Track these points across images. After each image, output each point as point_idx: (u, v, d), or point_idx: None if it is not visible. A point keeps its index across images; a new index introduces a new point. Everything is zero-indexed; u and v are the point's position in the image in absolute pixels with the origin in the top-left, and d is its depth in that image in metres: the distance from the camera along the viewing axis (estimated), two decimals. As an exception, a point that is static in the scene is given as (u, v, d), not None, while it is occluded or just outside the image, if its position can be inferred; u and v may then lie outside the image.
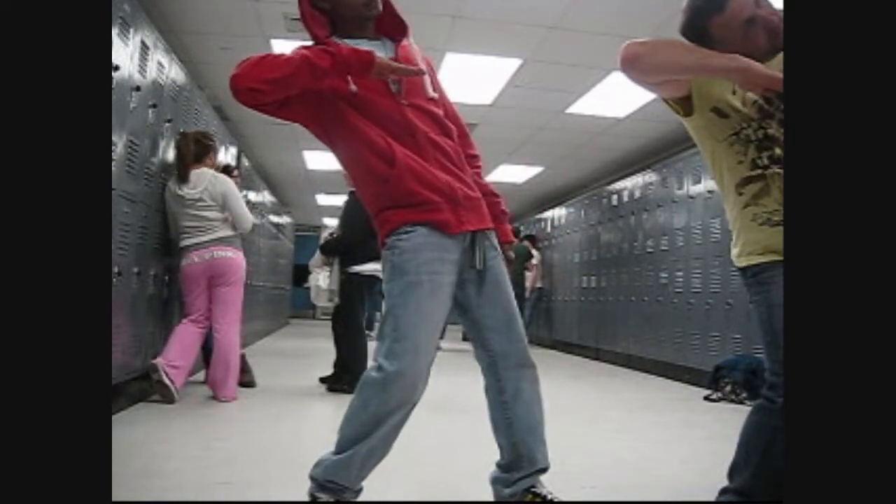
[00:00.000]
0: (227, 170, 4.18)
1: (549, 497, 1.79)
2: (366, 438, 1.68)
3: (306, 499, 1.74)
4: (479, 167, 1.93)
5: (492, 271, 1.79)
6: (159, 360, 3.37)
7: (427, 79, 1.80)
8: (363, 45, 1.68)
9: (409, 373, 1.63)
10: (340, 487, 1.70)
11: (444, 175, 1.73)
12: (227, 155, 5.22)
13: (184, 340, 3.58)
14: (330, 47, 1.63)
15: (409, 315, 1.65)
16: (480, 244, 1.77)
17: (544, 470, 1.83)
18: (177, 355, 3.51)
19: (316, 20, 1.75)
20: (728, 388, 4.38)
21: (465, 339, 9.24)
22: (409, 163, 1.69)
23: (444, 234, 1.70)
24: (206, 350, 3.83)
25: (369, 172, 1.73)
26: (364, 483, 1.75)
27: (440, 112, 1.81)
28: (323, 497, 1.70)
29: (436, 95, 1.81)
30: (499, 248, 1.84)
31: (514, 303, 1.83)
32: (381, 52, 1.70)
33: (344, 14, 1.76)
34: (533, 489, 1.80)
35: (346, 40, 1.71)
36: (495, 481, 1.85)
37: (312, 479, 1.73)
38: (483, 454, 2.19)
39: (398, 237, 1.71)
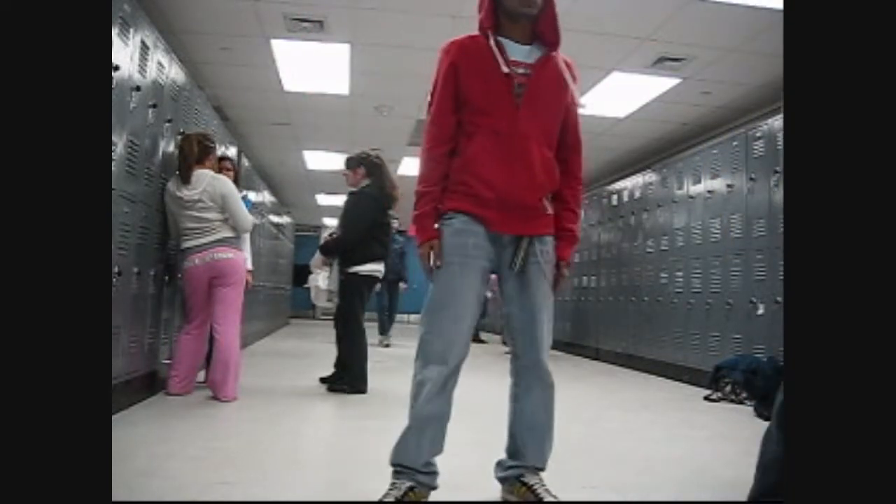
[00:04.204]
0: (220, 160, 4.16)
1: (535, 488, 1.89)
2: (414, 408, 1.85)
3: (306, 499, 1.74)
4: (577, 188, 2.04)
5: (528, 275, 1.91)
6: None
7: (567, 89, 1.92)
8: (511, 48, 1.87)
9: (438, 340, 1.85)
10: (408, 470, 1.83)
11: (509, 178, 1.85)
12: (224, 154, 5.21)
13: (189, 352, 3.67)
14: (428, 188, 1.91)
15: (442, 291, 1.88)
16: (523, 248, 1.89)
17: (539, 469, 1.95)
18: (186, 368, 3.67)
19: (487, 9, 1.89)
20: (728, 388, 4.37)
21: (475, 339, 9.25)
22: (480, 156, 1.85)
23: (483, 227, 1.88)
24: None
25: (458, 151, 1.93)
26: (390, 479, 1.85)
27: (555, 124, 1.94)
28: (397, 482, 1.83)
29: (582, 105, 1.97)
30: (546, 256, 1.94)
31: (542, 310, 1.93)
32: (523, 57, 1.89)
33: (505, 7, 1.88)
34: (521, 478, 1.93)
35: (501, 38, 1.88)
36: (497, 464, 2.03)
37: (390, 465, 1.87)
38: (485, 454, 2.19)
39: (443, 221, 1.92)
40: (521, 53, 1.89)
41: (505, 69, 1.83)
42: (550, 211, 1.97)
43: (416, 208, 1.92)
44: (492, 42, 1.86)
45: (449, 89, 1.89)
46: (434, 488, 1.89)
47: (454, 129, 1.91)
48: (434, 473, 1.89)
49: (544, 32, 1.92)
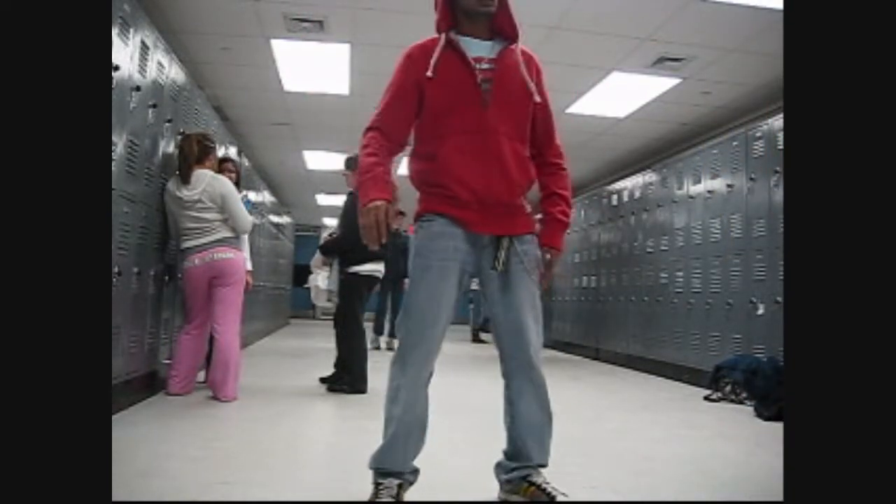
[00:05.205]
0: (223, 161, 4.17)
1: (544, 486, 1.88)
2: (395, 416, 1.83)
3: (306, 499, 1.73)
4: (557, 173, 2.02)
5: (510, 275, 1.89)
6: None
7: (527, 84, 1.90)
8: (472, 44, 1.87)
9: (418, 346, 1.83)
10: (394, 473, 1.82)
11: (485, 176, 1.84)
12: (226, 154, 5.21)
13: (189, 352, 3.67)
14: (376, 129, 1.87)
15: (419, 295, 1.85)
16: (504, 248, 1.87)
17: (542, 465, 1.94)
18: (186, 368, 3.67)
19: (443, 11, 1.90)
20: (728, 388, 4.37)
21: (474, 339, 9.19)
22: (454, 157, 1.83)
23: (462, 229, 1.85)
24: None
25: (421, 154, 1.91)
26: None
27: (524, 117, 1.92)
28: (385, 482, 1.81)
29: (538, 99, 1.92)
30: (528, 256, 1.91)
31: (528, 310, 1.90)
32: (486, 52, 1.88)
33: (462, 6, 1.88)
34: (528, 478, 1.91)
35: (461, 37, 1.88)
36: (497, 466, 2.00)
37: (371, 469, 1.85)
38: (484, 454, 2.19)
39: (421, 224, 1.90)
40: (483, 49, 1.89)
41: (430, 74, 1.82)
42: (529, 210, 1.96)
43: (367, 173, 1.81)
44: (442, 43, 1.86)
45: (403, 94, 1.88)
46: (412, 483, 1.89)
47: (402, 133, 1.90)
48: (417, 471, 1.89)
49: (502, 27, 1.92)
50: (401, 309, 1.89)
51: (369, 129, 1.90)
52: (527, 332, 1.89)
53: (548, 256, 1.97)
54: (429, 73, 1.83)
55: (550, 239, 1.97)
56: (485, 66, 1.86)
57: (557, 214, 1.97)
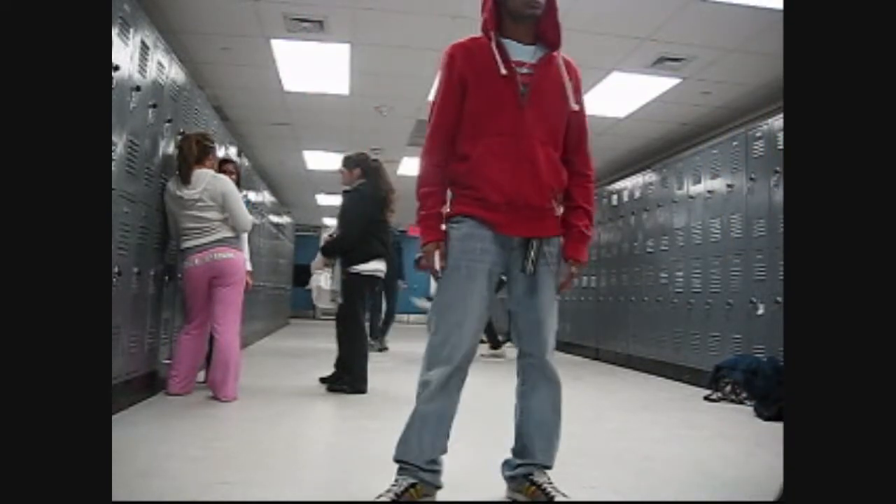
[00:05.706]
0: (224, 163, 4.17)
1: (545, 486, 1.90)
2: (415, 407, 1.88)
3: (306, 498, 1.73)
4: (584, 186, 2.03)
5: (537, 276, 1.93)
6: None
7: (565, 91, 1.92)
8: (514, 48, 1.89)
9: (444, 343, 1.86)
10: (411, 467, 1.85)
11: (516, 179, 1.86)
12: (227, 155, 5.21)
13: (189, 352, 3.67)
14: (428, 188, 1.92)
15: (448, 295, 1.89)
16: (533, 251, 1.90)
17: (546, 467, 1.96)
18: (186, 368, 3.67)
19: (490, 10, 1.91)
20: (728, 388, 4.37)
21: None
22: (486, 158, 1.85)
23: (492, 231, 1.88)
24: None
25: (455, 154, 1.93)
26: (392, 477, 1.86)
27: (560, 124, 1.94)
28: (400, 479, 1.85)
29: (575, 107, 1.94)
30: (553, 258, 1.96)
31: (550, 311, 1.97)
32: (527, 57, 1.90)
33: (509, 7, 1.90)
34: (530, 476, 1.94)
35: (504, 39, 1.90)
36: (504, 463, 2.04)
37: (394, 461, 1.89)
38: (484, 454, 2.19)
39: (451, 225, 1.92)
40: (524, 54, 1.90)
41: (504, 71, 1.84)
42: (558, 212, 1.98)
43: (422, 209, 1.92)
44: (493, 44, 1.87)
45: (452, 96, 1.90)
46: (438, 487, 1.90)
47: (455, 130, 1.92)
48: (437, 472, 1.89)
49: (546, 32, 1.93)
50: (432, 308, 1.94)
51: (430, 137, 1.94)
52: (546, 332, 1.95)
53: (573, 269, 2.00)
54: (503, 71, 1.84)
55: (575, 252, 2.00)
56: (524, 70, 1.88)
57: (583, 228, 2.00)
